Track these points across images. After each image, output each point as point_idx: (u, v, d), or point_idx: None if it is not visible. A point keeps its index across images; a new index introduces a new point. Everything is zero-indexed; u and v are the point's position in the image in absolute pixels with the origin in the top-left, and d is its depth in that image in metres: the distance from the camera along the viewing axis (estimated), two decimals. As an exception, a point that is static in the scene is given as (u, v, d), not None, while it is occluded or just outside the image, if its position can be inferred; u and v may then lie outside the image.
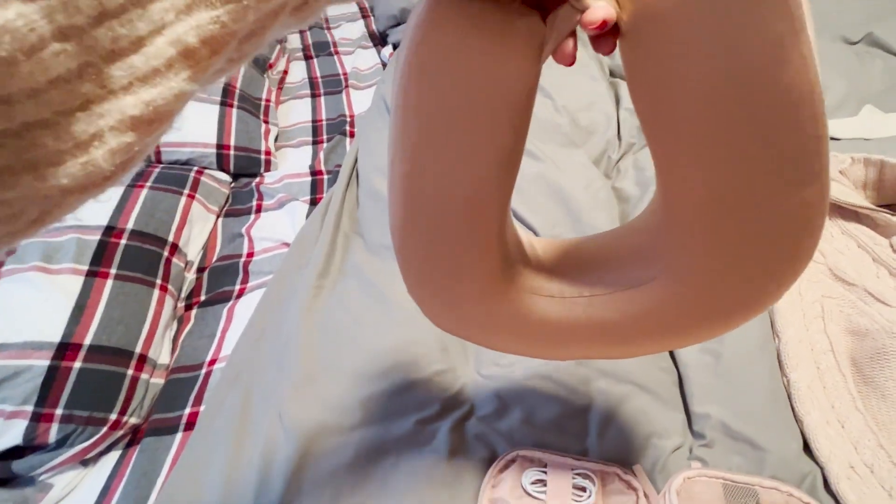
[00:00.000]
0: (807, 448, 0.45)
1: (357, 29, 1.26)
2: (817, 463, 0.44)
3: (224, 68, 0.16)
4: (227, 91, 0.88)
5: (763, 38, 0.18)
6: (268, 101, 0.95)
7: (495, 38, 0.21)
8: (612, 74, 0.91)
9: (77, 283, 0.56)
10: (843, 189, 0.60)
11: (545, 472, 0.44)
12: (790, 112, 0.20)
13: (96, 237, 0.60)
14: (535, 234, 0.65)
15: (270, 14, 0.15)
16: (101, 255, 0.59)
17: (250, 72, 0.95)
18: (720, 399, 0.49)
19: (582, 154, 0.73)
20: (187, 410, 0.56)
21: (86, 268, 0.57)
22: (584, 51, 0.88)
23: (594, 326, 0.30)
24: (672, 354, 0.53)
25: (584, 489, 0.44)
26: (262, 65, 1.00)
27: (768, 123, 0.20)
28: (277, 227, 0.76)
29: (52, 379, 0.50)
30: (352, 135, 0.92)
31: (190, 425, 0.55)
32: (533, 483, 0.44)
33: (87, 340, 0.53)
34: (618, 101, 0.83)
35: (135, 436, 0.56)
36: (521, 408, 0.51)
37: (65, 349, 0.51)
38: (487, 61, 0.22)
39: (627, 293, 0.28)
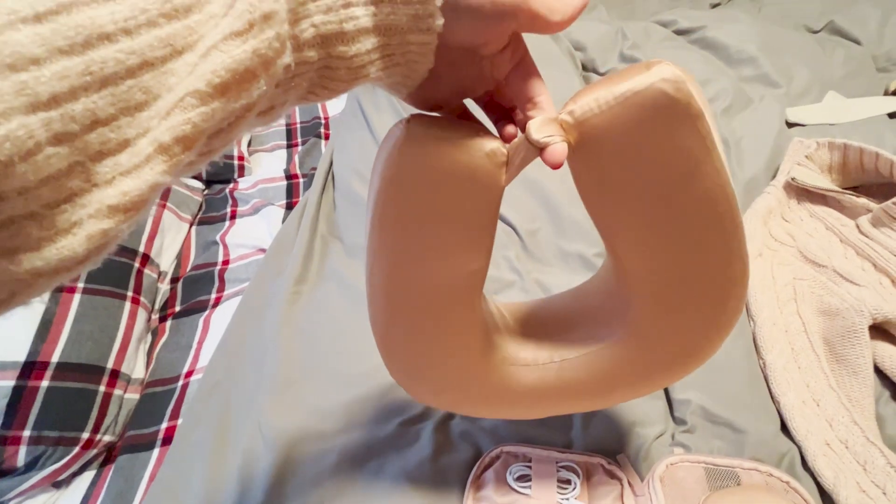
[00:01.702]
0: (784, 428, 0.46)
1: (329, 30, 1.24)
2: (795, 442, 0.45)
3: (195, 161, 0.17)
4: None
5: (681, 155, 0.23)
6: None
7: (464, 164, 0.24)
8: (584, 69, 0.92)
9: (43, 298, 0.54)
10: (810, 173, 0.61)
11: (530, 467, 0.44)
12: (709, 209, 0.25)
13: (61, 251, 0.58)
14: (513, 228, 0.65)
15: (237, 116, 0.17)
16: (68, 269, 0.57)
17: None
18: (699, 384, 0.49)
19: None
20: (164, 425, 0.55)
21: (51, 283, 0.55)
22: (556, 45, 0.88)
23: (567, 387, 0.33)
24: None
25: (569, 482, 0.44)
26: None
27: (694, 217, 0.25)
28: (253, 232, 0.74)
29: (19, 400, 0.48)
30: (327, 137, 0.91)
31: (167, 440, 0.54)
32: (518, 479, 0.44)
33: (55, 358, 0.51)
34: (591, 95, 0.84)
35: (109, 454, 0.54)
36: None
37: (31, 368, 0.49)
38: (457, 183, 0.25)
39: (593, 354, 0.32)
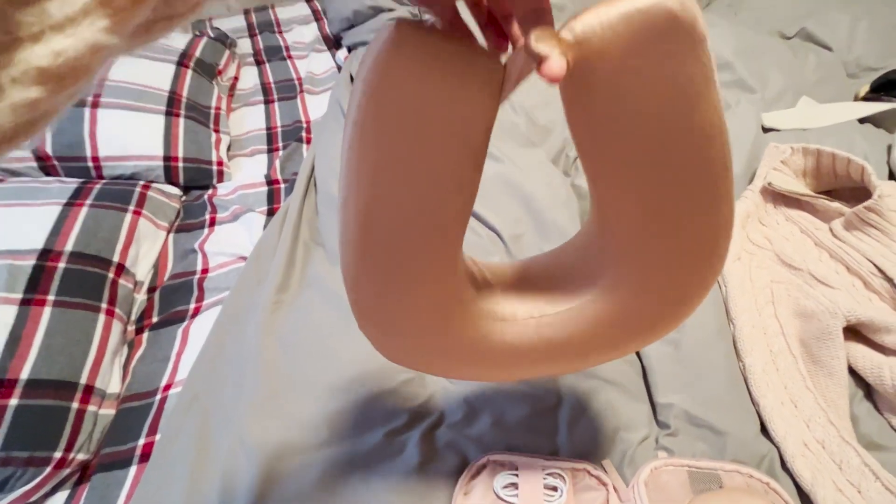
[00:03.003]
0: (764, 429, 0.47)
1: (310, 32, 1.23)
2: (774, 443, 0.46)
3: (153, 26, 0.14)
4: (173, 100, 0.84)
5: (683, 83, 0.22)
6: (218, 109, 0.91)
7: (455, 77, 0.22)
8: (566, 73, 0.92)
9: (10, 313, 0.52)
10: (785, 178, 0.63)
11: (517, 475, 0.44)
12: (704, 146, 0.24)
13: (30, 262, 0.56)
14: (497, 234, 0.65)
15: None
16: (37, 282, 0.55)
17: (197, 79, 0.91)
18: (682, 388, 0.50)
19: (541, 152, 0.73)
20: (141, 441, 0.53)
21: (19, 296, 0.53)
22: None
23: (546, 345, 0.32)
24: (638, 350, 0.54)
25: (555, 489, 0.44)
26: (211, 71, 0.96)
27: (687, 155, 0.24)
28: (233, 240, 0.73)
29: (-15, 420, 0.46)
30: (308, 141, 0.89)
31: (145, 457, 0.52)
32: (505, 487, 0.44)
33: (24, 375, 0.49)
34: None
35: (84, 473, 0.52)
36: (491, 411, 0.50)
37: (-2, 386, 0.47)
38: (447, 99, 0.23)
39: (574, 310, 0.31)
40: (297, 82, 1.05)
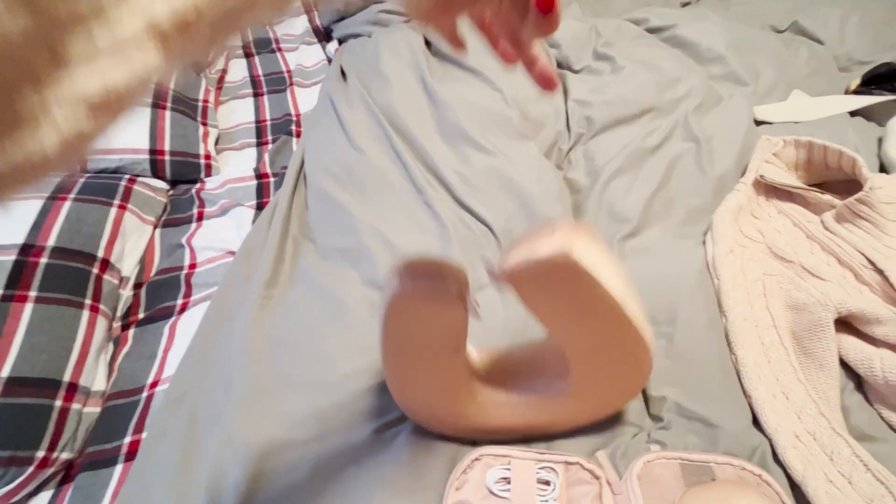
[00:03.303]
0: (756, 421, 0.47)
1: (300, 24, 1.21)
2: (766, 435, 0.46)
3: (190, 51, 0.14)
4: (159, 92, 0.82)
5: (579, 291, 0.35)
6: (206, 101, 0.90)
7: (433, 307, 0.37)
8: (559, 66, 0.92)
9: (-11, 310, 0.50)
10: (777, 171, 0.63)
11: (509, 469, 0.44)
12: (610, 318, 0.37)
13: (11, 257, 0.55)
14: (489, 228, 0.64)
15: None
16: (18, 277, 0.54)
17: (184, 71, 0.90)
18: (674, 381, 0.50)
19: (533, 146, 0.73)
20: (127, 439, 0.52)
21: (0, 292, 0.52)
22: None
23: (532, 419, 0.46)
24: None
25: (548, 483, 0.43)
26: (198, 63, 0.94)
27: (600, 323, 0.38)
28: (221, 235, 0.71)
29: (-36, 419, 0.45)
30: (298, 135, 0.88)
31: (131, 455, 0.51)
32: (497, 482, 0.43)
33: (5, 373, 0.48)
34: (566, 93, 0.84)
35: (68, 472, 0.51)
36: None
37: (-23, 385, 0.46)
38: (430, 318, 0.38)
39: (549, 399, 0.45)
40: (286, 75, 1.04)
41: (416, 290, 0.35)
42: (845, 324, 0.51)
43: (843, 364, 0.50)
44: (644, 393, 0.51)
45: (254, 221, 0.72)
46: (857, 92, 0.76)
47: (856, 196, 0.54)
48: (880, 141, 0.66)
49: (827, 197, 0.58)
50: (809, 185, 0.63)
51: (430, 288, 0.35)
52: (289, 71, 1.05)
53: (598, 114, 0.77)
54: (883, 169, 0.65)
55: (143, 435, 0.52)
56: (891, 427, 0.46)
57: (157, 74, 0.13)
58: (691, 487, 0.43)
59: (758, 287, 0.55)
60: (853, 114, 0.73)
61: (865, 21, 0.91)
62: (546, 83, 0.27)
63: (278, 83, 1.01)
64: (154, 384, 0.57)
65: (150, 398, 0.55)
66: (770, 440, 0.45)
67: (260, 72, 1.05)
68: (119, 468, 0.50)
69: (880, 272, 0.52)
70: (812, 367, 0.50)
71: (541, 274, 0.34)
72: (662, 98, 0.78)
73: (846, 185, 0.60)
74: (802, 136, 0.63)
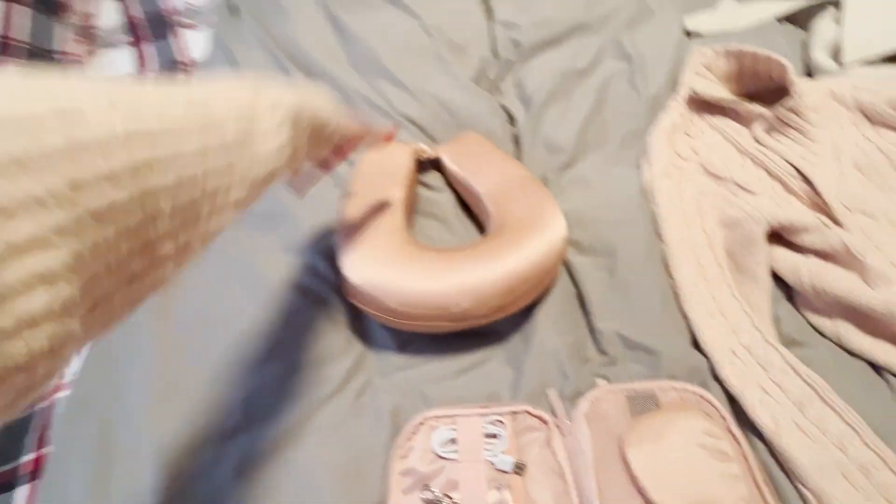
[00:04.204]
0: (695, 342, 0.47)
1: (180, -48, 1.02)
2: (705, 355, 0.46)
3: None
4: (4, 46, 0.67)
5: None
6: (68, 54, 0.75)
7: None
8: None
9: None
10: (708, 84, 0.60)
11: (456, 430, 0.42)
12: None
13: None
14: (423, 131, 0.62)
15: None
16: None
17: (34, 17, 0.73)
18: (617, 312, 0.49)
19: (460, 75, 0.66)
20: (27, 457, 0.46)
21: None
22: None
23: (468, 281, 0.46)
24: (571, 274, 0.52)
25: (496, 436, 0.42)
26: (52, 6, 0.77)
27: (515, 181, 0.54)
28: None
29: None
30: (192, 86, 0.76)
31: (36, 474, 0.45)
32: (443, 444, 0.41)
33: None
34: (490, 14, 0.76)
35: (-41, 505, 0.44)
36: (428, 364, 0.47)
37: None
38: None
39: (481, 249, 0.48)
40: (170, 15, 0.88)
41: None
42: (775, 235, 0.51)
43: (775, 276, 0.50)
44: (590, 327, 0.50)
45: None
46: (783, -5, 0.73)
47: (784, 103, 0.53)
48: (807, 46, 0.65)
49: (756, 107, 0.56)
50: (740, 96, 0.61)
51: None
52: (172, 10, 0.89)
53: (526, 36, 0.70)
54: (810, 74, 0.64)
55: (48, 449, 0.46)
56: (817, 331, 0.47)
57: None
58: (637, 417, 0.43)
59: (693, 207, 0.54)
60: (783, 20, 0.71)
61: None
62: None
63: (161, 26, 0.86)
64: (54, 390, 0.50)
65: (49, 407, 0.48)
66: (709, 359, 0.46)
67: (137, 13, 0.89)
68: (24, 490, 0.44)
69: (807, 180, 0.52)
70: (746, 282, 0.50)
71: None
72: (591, 14, 0.72)
73: (776, 94, 0.59)
74: (733, 44, 0.60)
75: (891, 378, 0.43)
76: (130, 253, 0.16)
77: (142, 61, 0.81)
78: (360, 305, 0.46)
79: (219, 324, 0.49)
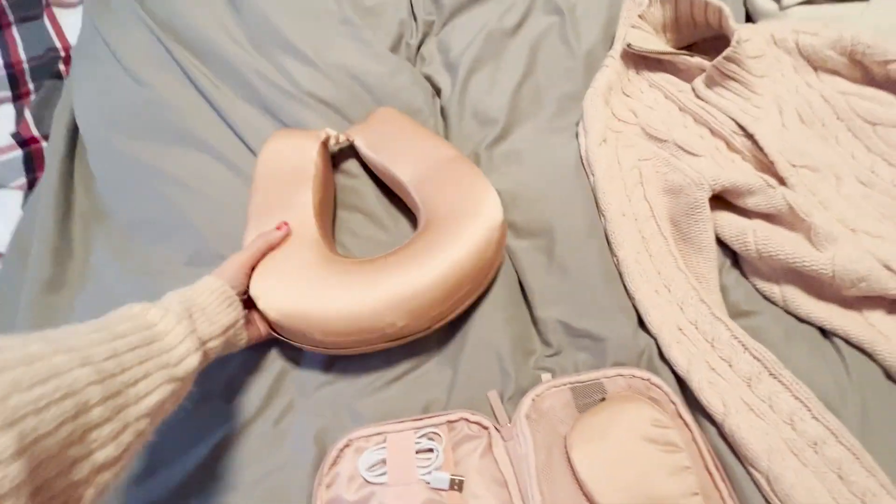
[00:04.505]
0: (642, 323, 0.44)
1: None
2: (651, 335, 0.43)
3: None
4: None
5: None
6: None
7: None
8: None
9: None
10: (645, 36, 0.55)
11: (384, 448, 0.38)
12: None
13: None
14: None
15: None
16: None
17: None
18: (558, 298, 0.45)
19: (373, 42, 0.58)
20: None
21: None
22: None
23: (393, 290, 0.40)
24: (513, 261, 0.48)
25: (431, 450, 0.38)
26: None
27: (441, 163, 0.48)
28: (-21, 233, 0.53)
29: None
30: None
31: None
32: (371, 467, 0.37)
33: None
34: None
35: None
36: (357, 377, 0.43)
37: None
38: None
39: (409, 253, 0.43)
40: (40, -9, 0.75)
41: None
42: (719, 199, 0.48)
43: (720, 243, 0.48)
44: (532, 316, 0.46)
45: (24, 206, 0.54)
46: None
47: (724, 54, 0.49)
48: (746, -13, 0.60)
49: (696, 60, 0.52)
50: (679, 49, 0.56)
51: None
52: (43, -15, 0.76)
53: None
54: (749, 18, 0.59)
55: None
56: (765, 297, 0.45)
57: None
58: (582, 413, 0.40)
59: (634, 175, 0.50)
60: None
61: None
62: None
63: (30, 6, 0.74)
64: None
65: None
66: (655, 339, 0.43)
67: (1, -9, 0.76)
68: None
69: (750, 137, 0.48)
70: (691, 252, 0.47)
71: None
72: (518, -37, 0.65)
73: (715, 43, 0.54)
74: (669, -9, 0.55)
75: (839, 343, 0.42)
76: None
77: (12, 49, 0.69)
78: (283, 338, 0.41)
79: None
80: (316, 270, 0.40)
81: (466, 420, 0.40)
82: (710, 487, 0.36)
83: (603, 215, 0.48)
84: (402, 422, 0.39)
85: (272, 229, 0.42)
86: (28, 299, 0.45)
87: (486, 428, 0.40)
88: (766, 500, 0.36)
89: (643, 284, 0.45)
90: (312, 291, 0.39)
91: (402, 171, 0.47)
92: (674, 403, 0.40)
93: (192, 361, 0.29)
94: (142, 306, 0.30)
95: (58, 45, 0.70)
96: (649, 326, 0.43)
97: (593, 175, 0.49)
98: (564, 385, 0.41)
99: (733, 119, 0.49)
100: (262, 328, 0.40)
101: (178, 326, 0.29)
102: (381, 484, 0.36)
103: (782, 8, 0.56)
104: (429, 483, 0.36)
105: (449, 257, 0.40)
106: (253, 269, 0.40)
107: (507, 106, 0.55)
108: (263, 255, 0.41)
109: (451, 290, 0.39)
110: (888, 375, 0.40)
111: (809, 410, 0.37)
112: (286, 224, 0.42)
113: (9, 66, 0.68)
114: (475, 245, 0.41)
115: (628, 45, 0.54)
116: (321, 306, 0.38)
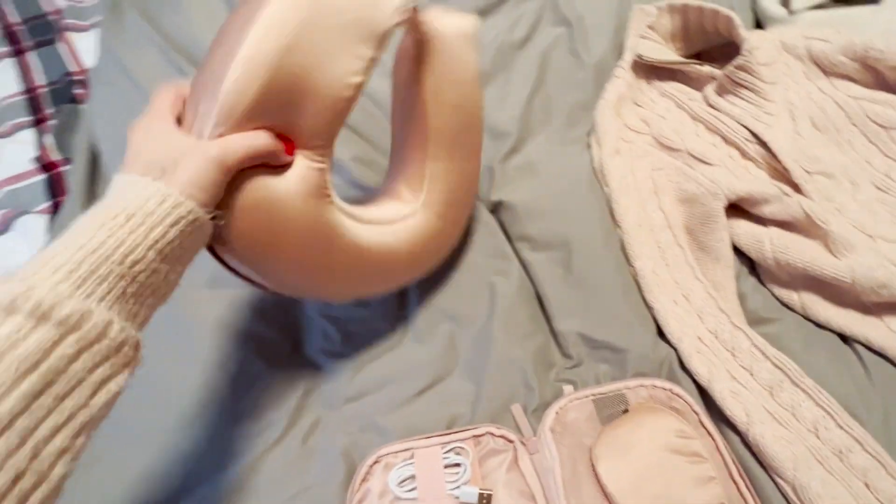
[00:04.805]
0: (661, 332, 0.45)
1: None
2: (671, 345, 0.44)
3: None
4: None
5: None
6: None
7: None
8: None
9: None
10: (655, 46, 0.56)
11: (413, 464, 0.38)
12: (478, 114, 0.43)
13: None
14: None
15: None
16: None
17: None
18: (576, 310, 0.46)
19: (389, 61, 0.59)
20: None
21: None
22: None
23: (391, 248, 0.40)
24: (530, 274, 0.48)
25: (458, 465, 0.39)
26: None
27: (471, 119, 0.43)
28: (6, 259, 0.54)
29: None
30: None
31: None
32: (401, 482, 0.38)
33: None
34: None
35: None
36: (380, 391, 0.43)
37: None
38: None
39: (403, 223, 0.41)
40: (54, 17, 0.77)
41: None
42: (735, 208, 0.48)
43: (737, 250, 0.48)
44: (552, 329, 0.47)
45: (49, 230, 0.55)
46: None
47: (734, 63, 0.49)
48: (753, -8, 0.61)
49: (707, 68, 0.52)
50: (689, 57, 0.57)
51: None
52: (57, 11, 0.78)
53: (457, 4, 0.63)
54: (759, 25, 0.60)
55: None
56: (783, 304, 0.45)
57: None
58: (606, 425, 0.40)
59: (648, 185, 0.50)
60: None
61: None
62: None
63: (45, 31, 0.75)
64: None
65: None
66: (676, 349, 0.43)
67: (15, 18, 0.77)
68: None
69: (764, 144, 0.48)
70: (708, 261, 0.47)
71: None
72: (526, -25, 0.65)
73: (726, 51, 0.55)
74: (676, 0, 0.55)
75: (859, 348, 0.42)
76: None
77: (29, 74, 0.70)
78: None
79: (142, 379, 0.43)
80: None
81: (492, 434, 0.40)
82: (735, 497, 0.37)
83: (619, 226, 0.48)
84: (429, 437, 0.40)
85: (271, 140, 0.29)
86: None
87: (511, 441, 0.40)
88: (793, 509, 0.36)
89: (661, 295, 0.45)
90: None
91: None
92: (696, 413, 0.40)
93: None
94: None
95: (73, 68, 0.71)
96: (669, 336, 0.44)
97: (608, 186, 0.50)
98: (587, 397, 0.42)
99: (746, 127, 0.50)
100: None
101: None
102: (412, 500, 0.37)
103: (792, 13, 0.56)
104: (458, 497, 0.37)
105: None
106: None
107: (519, 118, 0.56)
108: (244, 163, 0.28)
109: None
110: (910, 381, 0.41)
111: (834, 419, 0.37)
112: (292, 143, 0.29)
113: (28, 90, 0.69)
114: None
115: (639, 56, 0.54)
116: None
